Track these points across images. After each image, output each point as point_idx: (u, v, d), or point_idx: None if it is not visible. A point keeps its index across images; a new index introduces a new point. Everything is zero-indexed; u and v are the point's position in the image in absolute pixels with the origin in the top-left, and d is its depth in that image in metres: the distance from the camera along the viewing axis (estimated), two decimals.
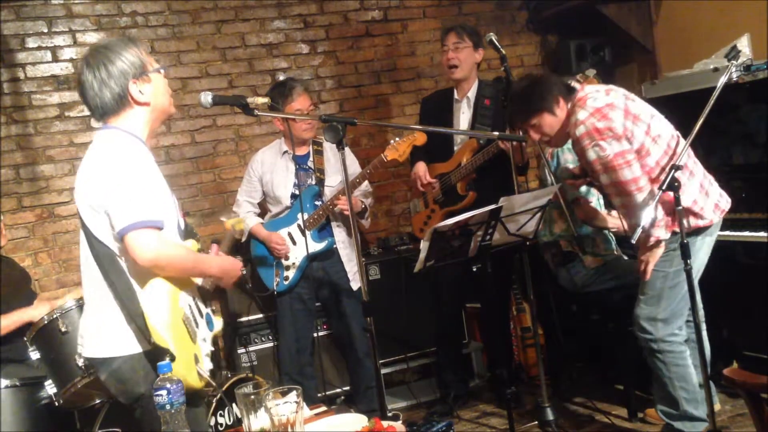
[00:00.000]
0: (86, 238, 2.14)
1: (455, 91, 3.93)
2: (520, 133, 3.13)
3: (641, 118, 2.89)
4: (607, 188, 2.92)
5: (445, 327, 4.12)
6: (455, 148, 3.87)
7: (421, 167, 3.91)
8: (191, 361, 2.10)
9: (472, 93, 3.88)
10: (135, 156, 2.09)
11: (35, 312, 3.11)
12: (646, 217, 2.73)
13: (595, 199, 3.64)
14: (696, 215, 2.92)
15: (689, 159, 2.96)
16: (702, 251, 3.02)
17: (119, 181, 2.02)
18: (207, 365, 2.20)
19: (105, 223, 2.07)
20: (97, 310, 2.16)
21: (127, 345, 2.10)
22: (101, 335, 2.14)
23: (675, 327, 3.04)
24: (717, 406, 3.20)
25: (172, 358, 1.95)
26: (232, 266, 2.35)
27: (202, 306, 2.31)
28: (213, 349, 2.29)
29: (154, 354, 2.04)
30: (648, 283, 3.04)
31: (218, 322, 2.38)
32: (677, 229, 2.80)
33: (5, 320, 3.18)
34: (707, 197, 2.96)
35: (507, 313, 4.25)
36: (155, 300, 2.05)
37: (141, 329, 2.06)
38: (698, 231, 2.97)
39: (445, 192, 3.87)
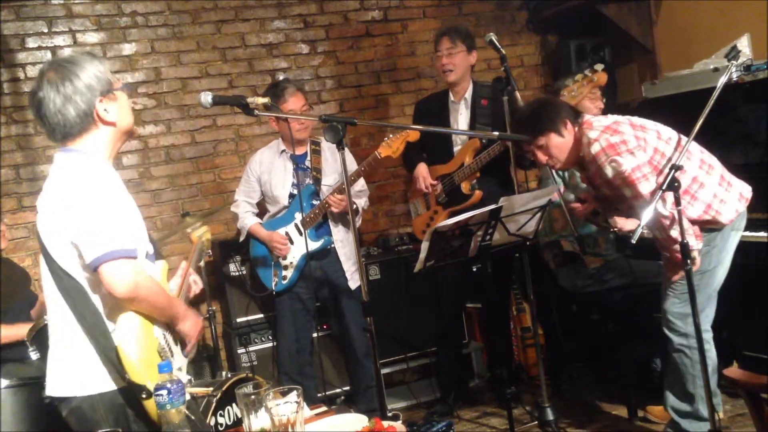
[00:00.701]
0: (50, 271, 2.00)
1: (450, 93, 3.94)
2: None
3: (647, 126, 2.96)
4: (633, 201, 2.93)
5: (445, 327, 4.12)
6: (455, 149, 3.87)
7: (422, 169, 3.91)
8: None
9: (468, 94, 3.89)
10: (104, 182, 1.97)
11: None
12: (645, 217, 2.73)
13: None
14: (717, 212, 2.93)
15: (703, 154, 2.99)
16: (732, 245, 3.03)
17: (89, 209, 1.91)
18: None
19: (73, 254, 1.95)
20: (62, 347, 2.04)
21: (90, 384, 1.99)
22: (65, 373, 2.03)
23: (707, 323, 3.03)
24: (720, 414, 3.18)
25: (149, 395, 1.86)
26: (197, 320, 2.21)
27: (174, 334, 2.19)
28: (190, 377, 2.20)
29: (117, 393, 1.97)
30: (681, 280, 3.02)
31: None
32: (714, 226, 2.91)
33: (5, 330, 3.18)
34: (730, 187, 2.98)
35: (507, 313, 4.25)
36: (129, 334, 1.94)
37: (114, 365, 1.95)
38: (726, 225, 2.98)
39: (449, 193, 3.87)
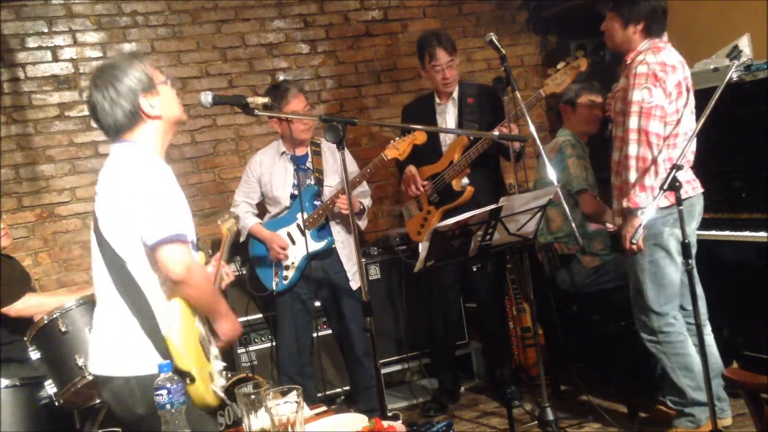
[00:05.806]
0: (102, 254, 2.11)
1: (436, 96, 3.95)
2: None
3: (678, 103, 2.99)
4: (629, 134, 2.95)
5: (436, 329, 4.11)
6: (443, 149, 3.88)
7: (412, 170, 3.91)
8: (208, 380, 2.11)
9: (455, 94, 3.92)
10: (160, 171, 2.10)
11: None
12: (646, 217, 2.74)
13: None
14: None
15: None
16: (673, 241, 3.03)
17: (151, 194, 2.03)
18: (219, 382, 2.20)
19: (129, 240, 2.06)
20: (107, 326, 2.14)
21: (130, 366, 2.08)
22: (106, 353, 2.13)
23: (669, 317, 3.07)
24: (728, 421, 3.18)
25: (192, 380, 1.97)
26: (237, 322, 2.32)
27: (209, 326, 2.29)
28: (225, 364, 2.29)
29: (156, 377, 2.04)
30: (631, 277, 3.12)
31: None
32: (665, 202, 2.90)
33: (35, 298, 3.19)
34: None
35: (504, 313, 4.24)
36: (175, 322, 2.04)
37: (159, 350, 2.04)
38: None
39: (440, 192, 3.87)
